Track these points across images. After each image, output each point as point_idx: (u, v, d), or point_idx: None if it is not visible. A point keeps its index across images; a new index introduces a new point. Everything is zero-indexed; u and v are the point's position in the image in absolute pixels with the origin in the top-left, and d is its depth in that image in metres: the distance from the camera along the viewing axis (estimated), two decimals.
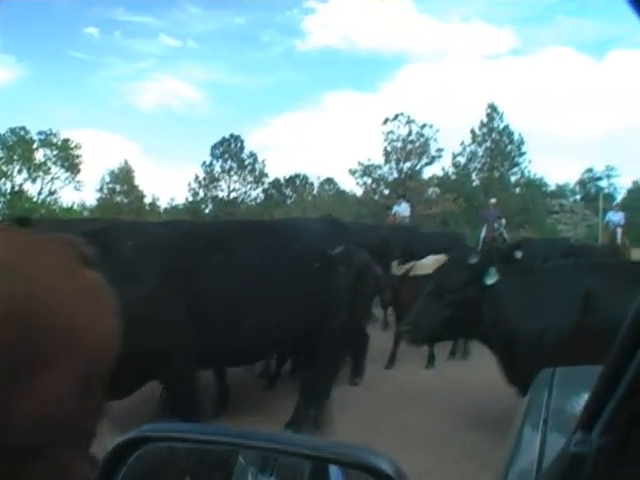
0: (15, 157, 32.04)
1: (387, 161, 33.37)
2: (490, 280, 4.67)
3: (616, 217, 15.44)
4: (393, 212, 16.52)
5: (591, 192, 38.84)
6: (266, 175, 36.44)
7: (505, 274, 4.83)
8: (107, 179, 35.03)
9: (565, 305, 4.58)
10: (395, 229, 12.78)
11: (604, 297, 4.49)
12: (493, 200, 18.26)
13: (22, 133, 32.40)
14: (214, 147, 35.54)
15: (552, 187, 38.87)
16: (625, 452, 0.89)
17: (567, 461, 0.96)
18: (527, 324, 4.58)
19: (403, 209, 16.68)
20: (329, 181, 38.35)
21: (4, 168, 31.51)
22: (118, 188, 34.94)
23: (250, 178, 36.01)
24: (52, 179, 33.19)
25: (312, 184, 38.45)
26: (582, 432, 0.95)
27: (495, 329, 4.70)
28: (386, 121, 32.84)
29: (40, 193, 32.73)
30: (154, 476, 1.45)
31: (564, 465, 0.99)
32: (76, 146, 33.32)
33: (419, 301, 4.94)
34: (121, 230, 5.08)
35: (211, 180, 35.62)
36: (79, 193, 34.13)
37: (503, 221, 16.15)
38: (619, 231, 14.93)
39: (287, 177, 37.56)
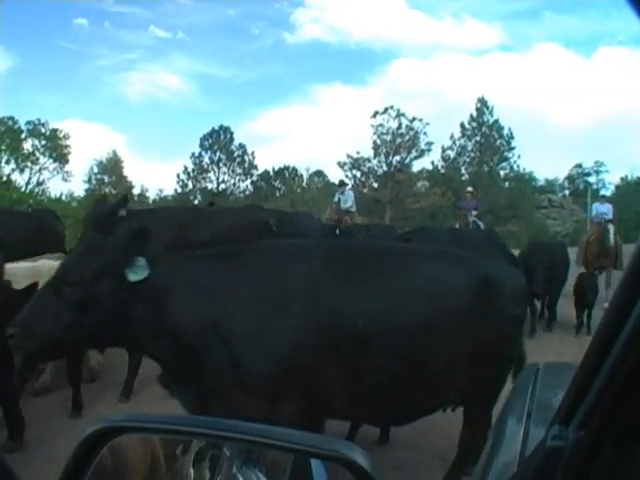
0: (3, 147, 31.86)
1: (376, 154, 33.41)
2: (135, 274, 3.18)
3: (603, 208, 12.79)
4: (336, 199, 13.67)
5: (580, 188, 39.10)
6: (255, 167, 36.45)
7: (166, 264, 3.39)
8: (95, 170, 34.90)
9: (271, 304, 3.31)
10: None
11: (331, 289, 3.40)
12: (470, 189, 16.42)
13: (10, 123, 32.21)
14: (203, 139, 35.51)
15: (541, 182, 39.16)
16: (600, 447, 0.91)
17: (544, 453, 0.99)
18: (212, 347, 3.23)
19: (345, 199, 13.74)
20: (318, 173, 38.40)
21: None
22: (106, 179, 34.76)
23: (239, 170, 35.97)
24: (40, 169, 33.09)
25: (301, 176, 38.49)
26: (559, 426, 0.97)
27: (160, 347, 3.31)
28: (376, 114, 32.89)
29: (28, 183, 32.63)
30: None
31: (541, 457, 1.02)
32: (64, 136, 33.25)
33: (35, 296, 3.37)
34: None
35: (200, 171, 35.53)
36: (67, 184, 34.05)
37: (474, 212, 14.69)
38: (612, 228, 12.05)
39: (276, 169, 37.58)
